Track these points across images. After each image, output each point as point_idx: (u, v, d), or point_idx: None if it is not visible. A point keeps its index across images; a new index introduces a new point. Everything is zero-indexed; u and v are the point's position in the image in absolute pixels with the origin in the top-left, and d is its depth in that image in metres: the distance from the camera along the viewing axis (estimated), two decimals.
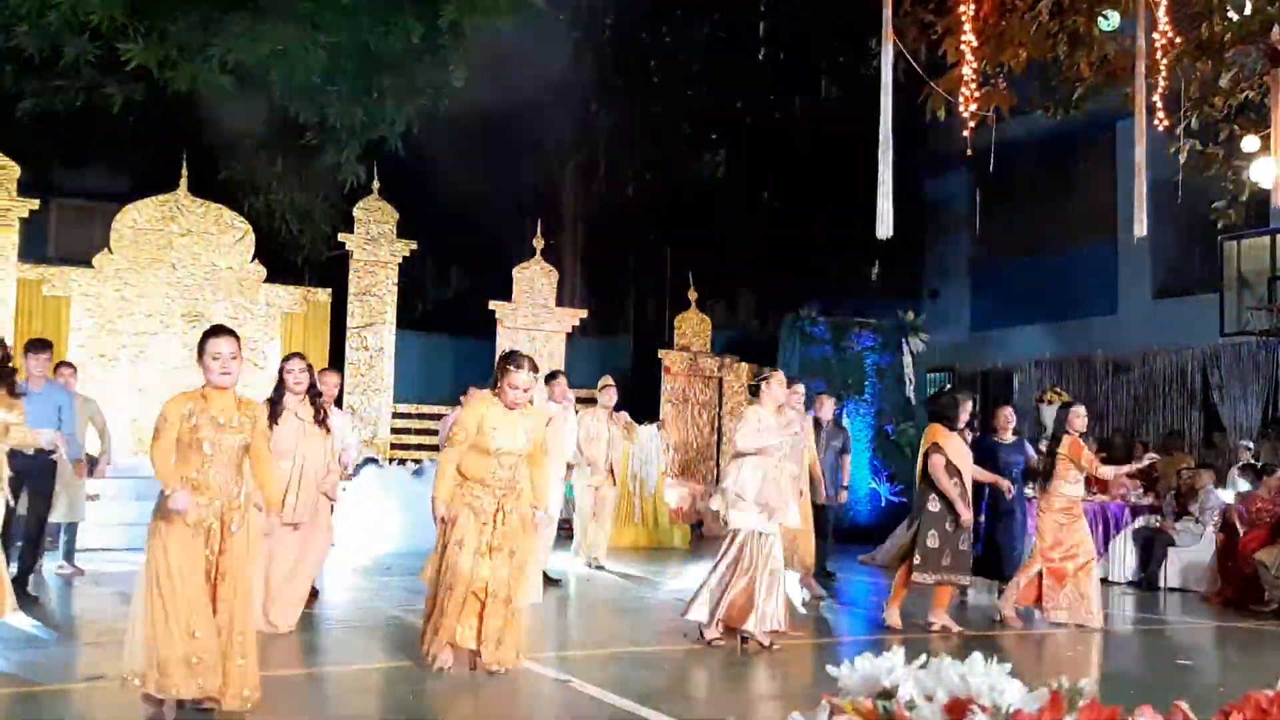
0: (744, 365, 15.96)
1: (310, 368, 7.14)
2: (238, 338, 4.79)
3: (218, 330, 4.78)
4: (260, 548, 6.28)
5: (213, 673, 4.48)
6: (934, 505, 7.72)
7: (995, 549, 8.74)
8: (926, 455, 7.83)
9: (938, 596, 7.82)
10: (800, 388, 8.38)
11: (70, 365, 9.68)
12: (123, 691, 4.63)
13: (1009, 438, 8.77)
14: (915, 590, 7.88)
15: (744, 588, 6.69)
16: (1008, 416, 8.84)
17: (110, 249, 13.32)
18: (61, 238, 16.63)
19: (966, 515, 7.67)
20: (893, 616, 7.88)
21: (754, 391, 7.15)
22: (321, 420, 7.10)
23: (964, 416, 8.01)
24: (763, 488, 6.71)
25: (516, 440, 5.63)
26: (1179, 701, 1.83)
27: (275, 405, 6.76)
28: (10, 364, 6.34)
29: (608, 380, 10.98)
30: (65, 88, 9.84)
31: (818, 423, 9.91)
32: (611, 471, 10.85)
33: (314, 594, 7.70)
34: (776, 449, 6.87)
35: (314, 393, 7.14)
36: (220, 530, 4.58)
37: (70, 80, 9.83)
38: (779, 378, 7.10)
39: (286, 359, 7.15)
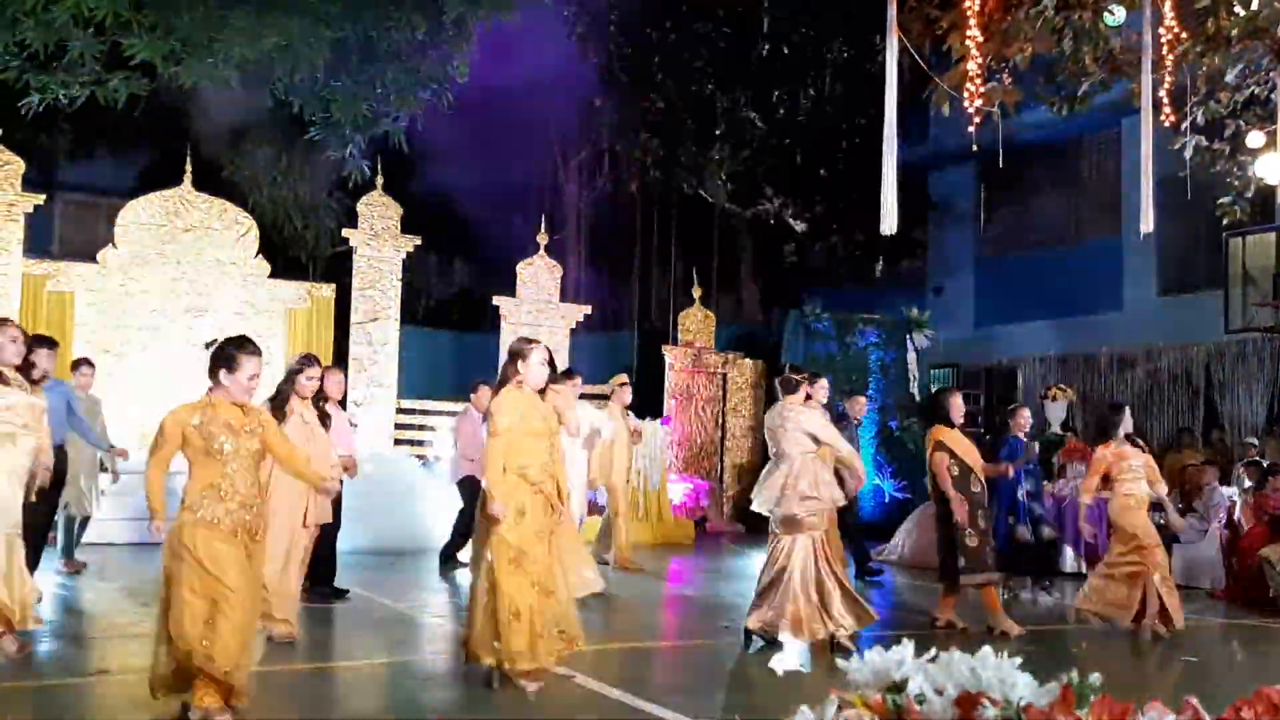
0: (748, 361, 15.95)
1: (322, 375, 7.10)
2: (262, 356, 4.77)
3: (251, 347, 4.69)
4: (274, 549, 6.27)
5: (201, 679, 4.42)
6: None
7: (1032, 547, 8.72)
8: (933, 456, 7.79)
9: (944, 594, 7.77)
10: (824, 382, 8.38)
11: (90, 364, 9.56)
12: (126, 686, 4.64)
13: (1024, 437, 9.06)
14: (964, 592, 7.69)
15: (821, 585, 6.60)
16: (1026, 417, 9.04)
17: (115, 244, 13.32)
18: (66, 233, 16.68)
19: (960, 514, 7.44)
20: (947, 612, 7.68)
21: (785, 386, 6.92)
22: (325, 420, 7.08)
23: (956, 411, 7.90)
24: (818, 486, 6.65)
25: (548, 420, 5.63)
26: (1189, 698, 1.83)
27: (280, 408, 6.64)
28: (30, 358, 6.35)
29: (624, 378, 10.88)
30: (70, 83, 9.83)
31: (845, 419, 9.92)
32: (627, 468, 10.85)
33: (318, 589, 7.70)
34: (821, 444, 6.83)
35: (319, 396, 7.10)
36: (248, 535, 4.55)
37: (75, 75, 9.82)
38: (822, 384, 7.39)
39: (303, 364, 6.96)
